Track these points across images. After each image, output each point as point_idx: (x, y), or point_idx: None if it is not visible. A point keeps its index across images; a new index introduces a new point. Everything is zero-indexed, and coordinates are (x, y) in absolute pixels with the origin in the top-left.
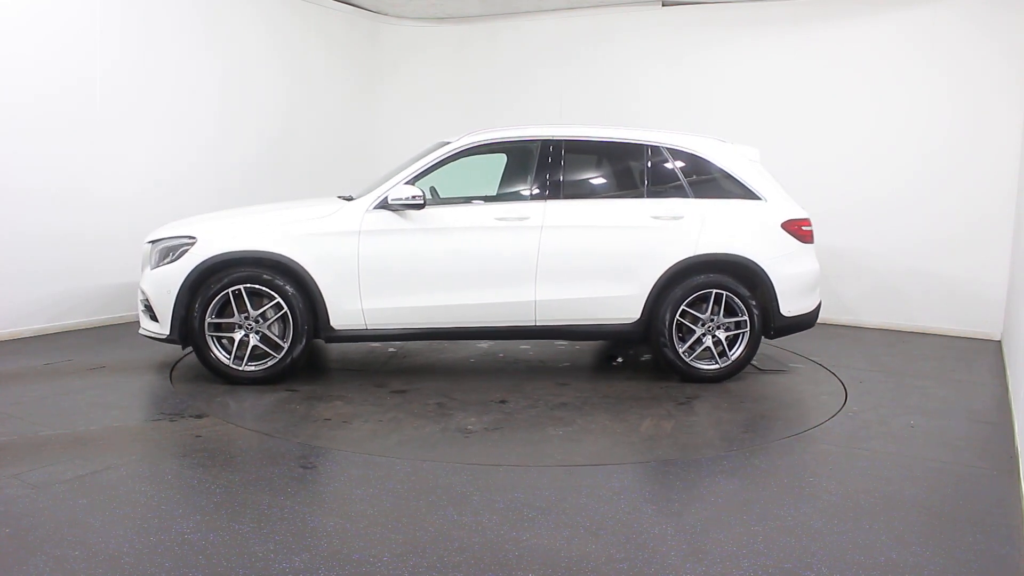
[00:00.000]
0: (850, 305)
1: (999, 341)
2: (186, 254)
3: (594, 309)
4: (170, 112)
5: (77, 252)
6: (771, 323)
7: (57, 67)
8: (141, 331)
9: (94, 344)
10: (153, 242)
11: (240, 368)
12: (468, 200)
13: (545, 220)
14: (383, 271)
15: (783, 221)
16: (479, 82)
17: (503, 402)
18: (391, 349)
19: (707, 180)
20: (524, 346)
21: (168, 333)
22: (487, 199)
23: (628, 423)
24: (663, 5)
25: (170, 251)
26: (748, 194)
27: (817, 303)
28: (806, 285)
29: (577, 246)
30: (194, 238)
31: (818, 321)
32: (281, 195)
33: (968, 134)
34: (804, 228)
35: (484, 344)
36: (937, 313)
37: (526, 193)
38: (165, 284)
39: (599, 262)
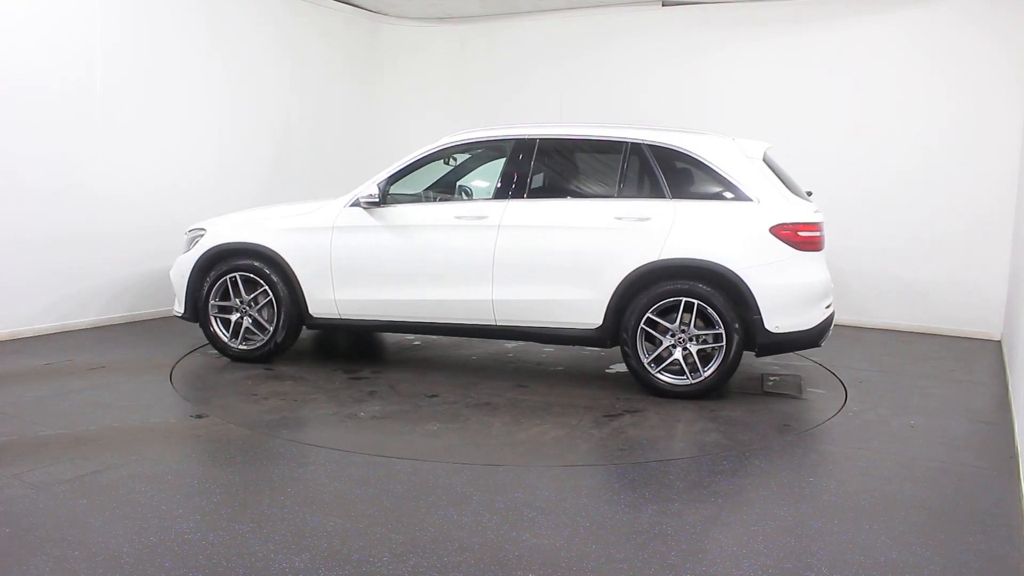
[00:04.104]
0: (850, 305)
1: (999, 341)
2: (197, 244)
3: (552, 312)
4: (171, 112)
5: (77, 252)
6: (755, 339)
7: (57, 68)
8: (173, 311)
9: (94, 344)
10: (188, 232)
11: (235, 346)
12: (436, 199)
13: (503, 219)
14: (352, 264)
15: (773, 225)
16: (479, 82)
17: (433, 396)
18: (416, 342)
19: (692, 179)
20: (548, 349)
21: (183, 312)
22: (448, 198)
23: (517, 427)
24: (663, 5)
25: (192, 241)
26: (738, 195)
27: (821, 319)
28: (801, 298)
29: (534, 246)
30: (204, 230)
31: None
32: (280, 194)
33: (968, 133)
34: (802, 234)
35: (510, 344)
36: (937, 313)
37: (489, 192)
38: (181, 269)
39: (556, 264)
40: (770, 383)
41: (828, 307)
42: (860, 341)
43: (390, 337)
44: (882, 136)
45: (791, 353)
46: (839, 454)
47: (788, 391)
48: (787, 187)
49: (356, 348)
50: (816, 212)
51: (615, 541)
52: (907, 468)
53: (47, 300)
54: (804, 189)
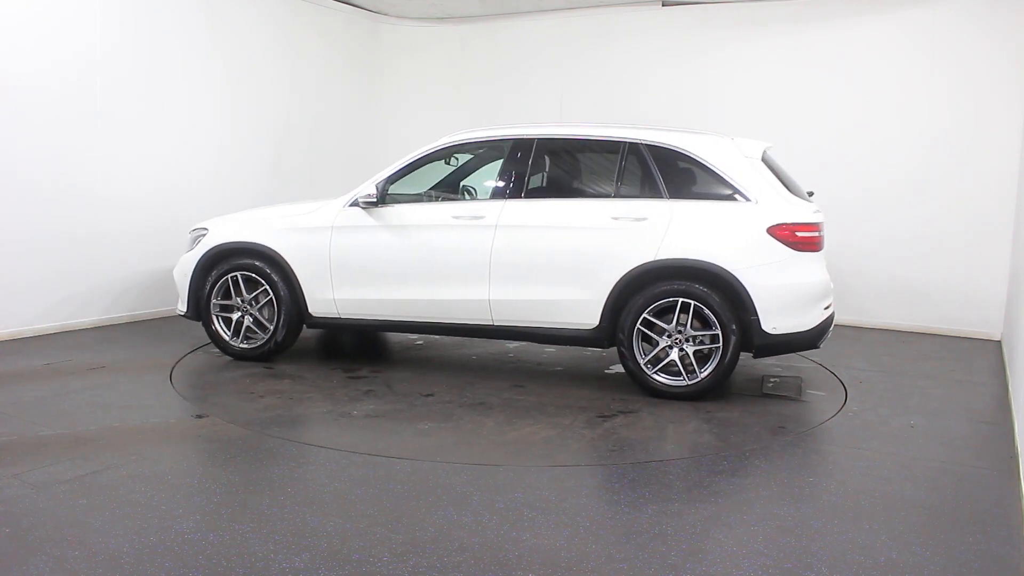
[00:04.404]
0: (850, 305)
1: (999, 341)
2: (200, 243)
3: (549, 312)
4: (171, 112)
5: (78, 252)
6: (751, 340)
7: (57, 68)
8: (177, 310)
9: (94, 344)
10: (191, 231)
11: (237, 345)
12: (435, 199)
13: (500, 219)
14: (351, 264)
15: (770, 225)
16: (479, 82)
17: (428, 395)
18: (419, 342)
19: (689, 179)
20: (550, 349)
21: (185, 310)
22: (451, 198)
23: (508, 427)
24: (663, 5)
25: (195, 240)
26: (736, 194)
27: (820, 320)
28: (799, 299)
29: (530, 246)
30: (207, 229)
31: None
32: (281, 194)
33: (968, 133)
34: (800, 234)
35: (512, 344)
36: (937, 313)
37: (487, 192)
38: (184, 268)
39: (552, 264)
40: (770, 385)
41: (827, 308)
42: (860, 341)
43: (394, 337)
44: (882, 136)
45: (796, 355)
46: (839, 454)
47: (787, 393)
48: (787, 187)
49: (359, 347)
50: (816, 212)
51: (615, 541)
52: (907, 468)
53: (47, 300)
54: (806, 189)
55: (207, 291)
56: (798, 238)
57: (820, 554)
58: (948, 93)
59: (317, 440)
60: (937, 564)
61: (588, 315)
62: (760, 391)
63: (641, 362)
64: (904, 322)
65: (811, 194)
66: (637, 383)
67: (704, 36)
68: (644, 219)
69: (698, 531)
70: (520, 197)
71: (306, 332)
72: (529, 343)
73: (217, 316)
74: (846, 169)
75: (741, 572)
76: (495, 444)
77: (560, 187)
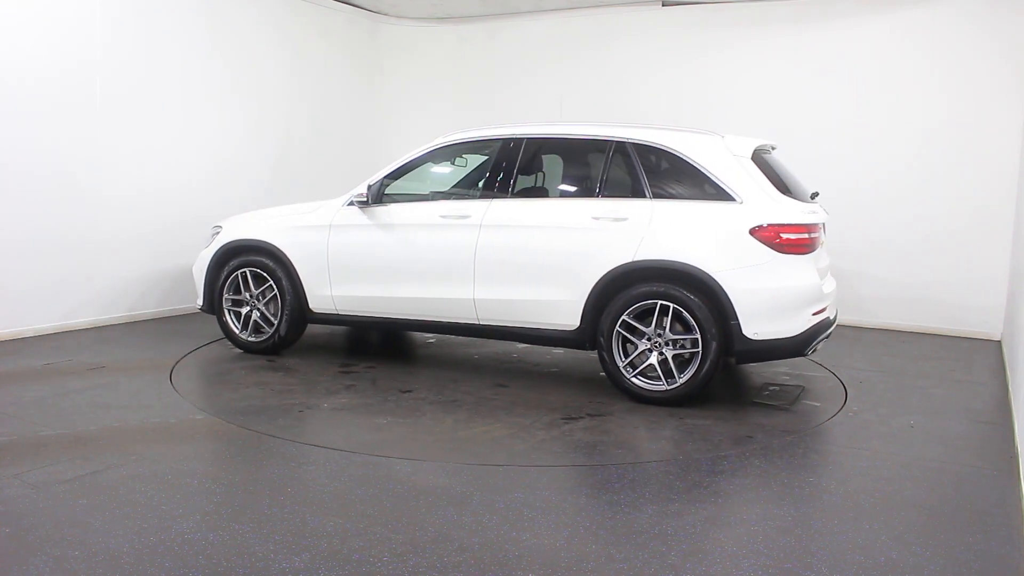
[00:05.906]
0: (850, 305)
1: (999, 341)
2: (215, 240)
3: (531, 312)
4: (171, 113)
5: (78, 253)
6: (732, 345)
7: (57, 70)
8: (196, 304)
9: (94, 344)
10: (211, 228)
11: (245, 338)
12: (429, 198)
13: (484, 219)
14: (346, 261)
15: (753, 226)
16: (479, 81)
17: (406, 392)
18: (431, 340)
19: (673, 179)
20: (556, 351)
21: (202, 304)
22: (442, 197)
23: (465, 425)
24: (663, 5)
25: (212, 237)
26: (721, 194)
27: (807, 326)
28: (783, 304)
29: (513, 246)
30: (220, 227)
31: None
32: (282, 193)
33: (969, 132)
34: (785, 236)
35: (520, 345)
36: (937, 313)
37: (475, 191)
38: (200, 264)
39: (534, 263)
40: (766, 393)
41: (817, 314)
42: (860, 341)
43: (414, 335)
44: (882, 136)
45: (805, 360)
46: (839, 454)
47: (779, 402)
48: (786, 186)
49: (373, 344)
50: (811, 213)
51: (615, 541)
52: (907, 468)
53: (47, 300)
54: (811, 189)
55: (219, 286)
56: (783, 240)
57: (820, 554)
58: (948, 93)
59: (265, 429)
60: (937, 564)
61: (569, 316)
62: (752, 399)
63: (620, 365)
64: (904, 322)
65: (815, 195)
66: (617, 387)
67: (704, 36)
68: (624, 219)
69: (698, 531)
70: (506, 196)
71: (334, 328)
72: (537, 345)
73: (228, 310)
74: (846, 169)
75: (741, 572)
76: (440, 441)
77: (546, 187)
